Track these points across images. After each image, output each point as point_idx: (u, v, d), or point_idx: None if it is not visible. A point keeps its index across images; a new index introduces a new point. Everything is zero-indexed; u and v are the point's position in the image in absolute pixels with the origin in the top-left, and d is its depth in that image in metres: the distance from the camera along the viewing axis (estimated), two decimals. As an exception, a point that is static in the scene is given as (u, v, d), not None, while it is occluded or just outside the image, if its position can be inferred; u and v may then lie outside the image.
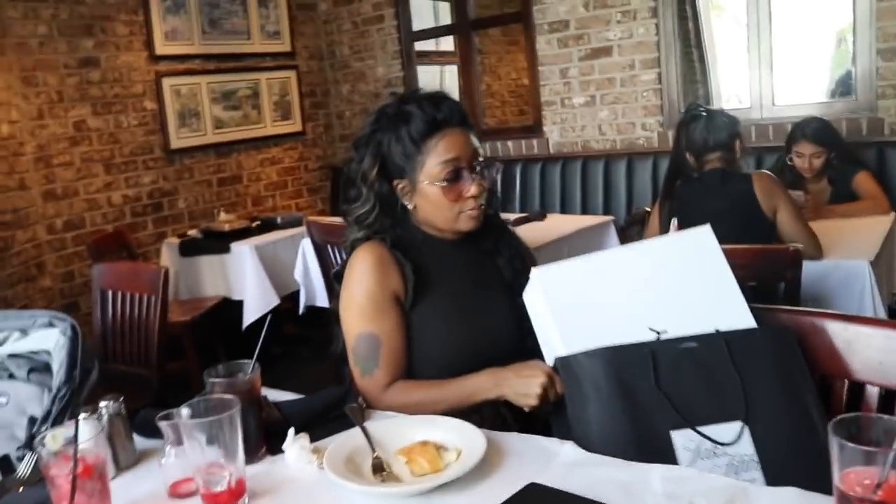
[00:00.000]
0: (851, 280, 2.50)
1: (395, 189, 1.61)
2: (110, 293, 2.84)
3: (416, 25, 5.54)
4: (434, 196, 1.56)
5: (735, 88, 5.65)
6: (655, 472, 1.13)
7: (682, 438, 1.24)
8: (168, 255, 4.29)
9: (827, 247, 2.60)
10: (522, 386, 1.42)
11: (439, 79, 6.58)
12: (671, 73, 4.45)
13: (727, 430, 1.25)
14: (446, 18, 6.45)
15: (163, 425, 1.26)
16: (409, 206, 1.62)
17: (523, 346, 1.62)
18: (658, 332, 1.30)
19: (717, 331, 1.32)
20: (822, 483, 1.20)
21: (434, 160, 1.55)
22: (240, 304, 4.05)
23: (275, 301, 4.00)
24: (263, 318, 4.21)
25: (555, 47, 4.75)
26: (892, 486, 0.86)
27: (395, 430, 1.33)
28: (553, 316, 1.32)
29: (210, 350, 4.10)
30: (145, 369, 2.73)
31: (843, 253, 2.61)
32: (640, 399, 1.26)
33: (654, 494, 1.07)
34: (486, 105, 6.32)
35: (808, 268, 2.26)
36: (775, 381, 1.30)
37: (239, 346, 4.03)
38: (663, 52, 4.41)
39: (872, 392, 1.38)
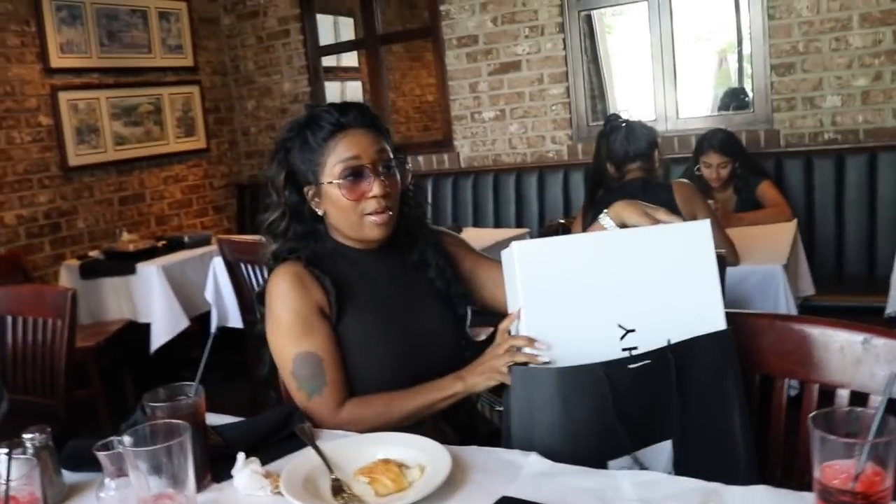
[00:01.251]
0: (766, 283, 2.61)
1: (306, 197, 1.58)
2: (9, 319, 2.65)
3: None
4: (336, 197, 1.53)
5: (635, 102, 5.85)
6: (625, 479, 1.12)
7: (615, 464, 1.24)
8: (67, 277, 4.07)
9: (740, 253, 2.69)
10: (487, 366, 1.38)
11: (340, 94, 6.53)
12: (579, 87, 4.55)
13: (656, 451, 1.27)
14: (347, 34, 6.41)
15: (102, 456, 1.16)
16: (319, 213, 1.58)
17: (463, 358, 1.59)
18: (627, 330, 1.27)
19: (669, 342, 1.27)
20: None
21: (334, 159, 1.52)
22: (146, 327, 3.88)
23: (184, 323, 3.85)
24: (196, 339, 4.05)
25: (464, 62, 4.78)
26: (869, 476, 0.88)
27: (349, 450, 1.27)
28: (524, 294, 1.26)
29: (115, 377, 3.91)
30: (51, 399, 2.56)
31: (757, 258, 2.71)
32: (588, 424, 1.23)
33: (628, 500, 1.06)
34: (392, 121, 6.30)
35: (727, 273, 2.33)
36: (708, 395, 1.29)
37: (146, 371, 3.85)
38: (570, 66, 4.51)
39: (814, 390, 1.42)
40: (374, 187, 1.51)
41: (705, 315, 1.31)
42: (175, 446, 1.08)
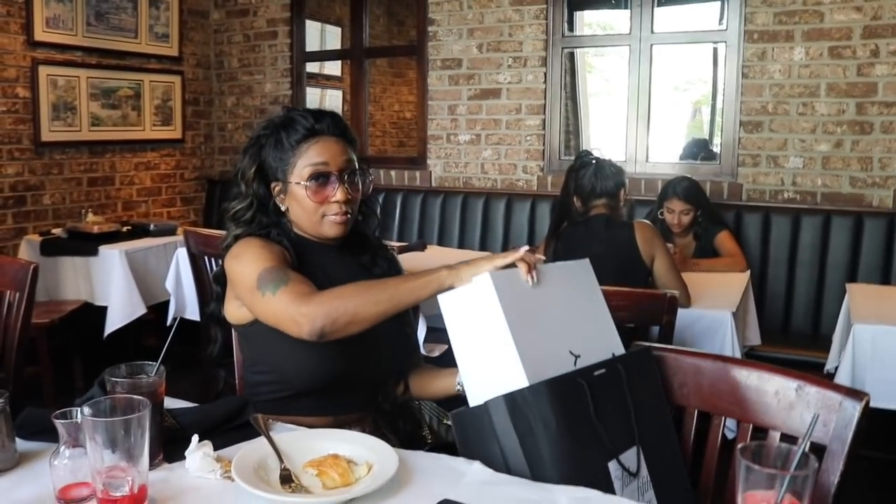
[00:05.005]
0: (714, 328, 2.70)
1: (272, 191, 1.67)
2: (-35, 287, 2.63)
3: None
4: (301, 197, 1.62)
5: (608, 142, 5.98)
6: (562, 493, 1.17)
7: (613, 468, 1.27)
8: (27, 252, 4.03)
9: (692, 297, 2.79)
10: (484, 258, 1.39)
11: (320, 102, 6.58)
12: (555, 121, 4.65)
13: (632, 456, 1.32)
14: (333, 43, 6.47)
15: (59, 424, 1.19)
16: (283, 208, 1.67)
17: (409, 357, 1.71)
18: (576, 356, 1.34)
19: (613, 355, 1.39)
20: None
21: (304, 162, 1.62)
22: (102, 310, 3.86)
23: (141, 310, 3.84)
24: (150, 328, 4.03)
25: (445, 83, 4.87)
26: (786, 507, 0.95)
27: (301, 443, 1.32)
28: (507, 321, 1.27)
29: (65, 357, 3.88)
30: (0, 372, 2.55)
31: (708, 303, 2.80)
32: (582, 432, 1.26)
33: (562, 514, 1.12)
34: (368, 134, 6.35)
35: (678, 315, 2.41)
36: (653, 401, 1.41)
37: (98, 354, 3.83)
38: (549, 99, 4.61)
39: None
40: (338, 193, 1.62)
41: (608, 338, 1.47)
42: (133, 421, 1.11)
